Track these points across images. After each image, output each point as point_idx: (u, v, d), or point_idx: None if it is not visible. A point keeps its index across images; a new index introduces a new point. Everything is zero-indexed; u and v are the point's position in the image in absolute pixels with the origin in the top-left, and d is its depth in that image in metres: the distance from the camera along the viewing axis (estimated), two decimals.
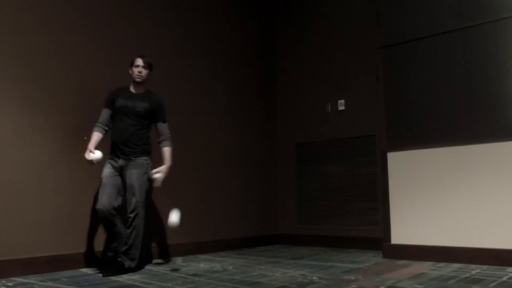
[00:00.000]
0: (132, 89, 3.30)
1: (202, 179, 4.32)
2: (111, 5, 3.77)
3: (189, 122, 4.26)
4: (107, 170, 3.16)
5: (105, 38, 3.69)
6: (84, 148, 3.17)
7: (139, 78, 3.25)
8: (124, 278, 2.92)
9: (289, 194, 5.05)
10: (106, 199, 3.01)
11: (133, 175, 3.14)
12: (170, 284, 2.66)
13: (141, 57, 3.28)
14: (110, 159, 3.21)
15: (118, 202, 3.08)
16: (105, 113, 3.25)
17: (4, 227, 3.01)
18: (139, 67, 3.24)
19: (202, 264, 3.49)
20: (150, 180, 3.24)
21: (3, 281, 2.81)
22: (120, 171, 3.18)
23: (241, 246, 4.48)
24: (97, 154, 3.04)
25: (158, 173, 3.17)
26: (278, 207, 4.90)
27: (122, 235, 3.11)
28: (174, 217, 3.03)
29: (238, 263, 3.51)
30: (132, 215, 3.10)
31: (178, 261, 3.69)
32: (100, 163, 3.12)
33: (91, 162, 3.05)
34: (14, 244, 3.04)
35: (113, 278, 2.92)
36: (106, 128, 3.26)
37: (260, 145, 5.02)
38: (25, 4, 3.24)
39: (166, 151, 3.30)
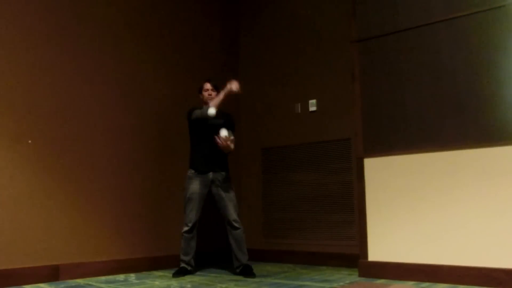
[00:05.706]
0: None
1: (156, 189, 4.07)
2: None
3: (149, 126, 4.03)
4: (196, 186, 3.55)
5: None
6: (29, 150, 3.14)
7: (210, 99, 3.64)
8: None
9: (253, 205, 4.84)
10: (195, 215, 3.54)
11: (228, 187, 3.64)
12: None
13: (208, 81, 3.73)
14: (196, 174, 3.58)
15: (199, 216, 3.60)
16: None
17: None
18: (208, 90, 3.70)
19: (158, 281, 3.32)
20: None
21: None
22: (210, 184, 3.61)
23: (200, 262, 4.23)
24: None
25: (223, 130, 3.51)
26: (241, 219, 4.66)
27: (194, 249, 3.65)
28: (224, 131, 3.47)
29: (197, 280, 3.34)
30: (237, 224, 3.61)
31: (131, 278, 3.51)
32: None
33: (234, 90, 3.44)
34: None
35: None
36: None
37: None
38: None
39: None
